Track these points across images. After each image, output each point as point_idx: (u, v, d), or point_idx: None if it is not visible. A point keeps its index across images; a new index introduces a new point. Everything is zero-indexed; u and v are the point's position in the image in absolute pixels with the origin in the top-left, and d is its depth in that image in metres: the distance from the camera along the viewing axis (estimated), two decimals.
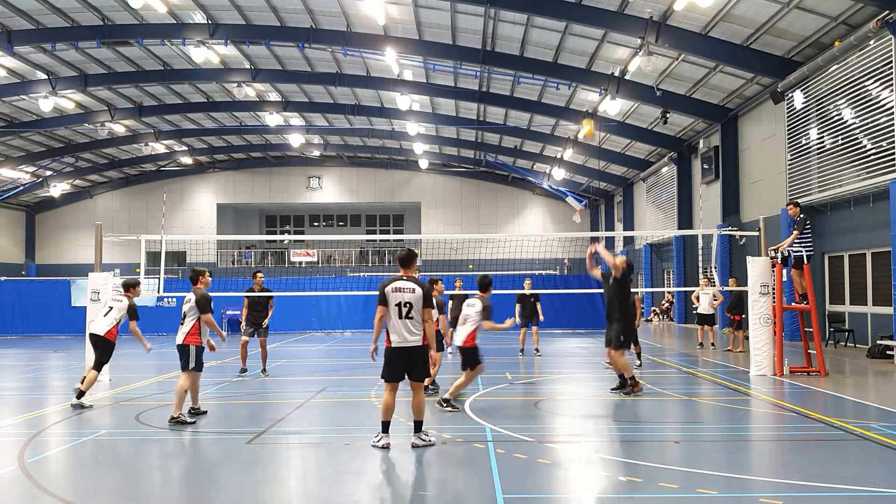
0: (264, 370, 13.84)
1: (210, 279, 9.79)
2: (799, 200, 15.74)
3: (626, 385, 11.09)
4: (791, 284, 14.35)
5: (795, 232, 13.34)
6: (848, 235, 18.95)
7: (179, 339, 9.21)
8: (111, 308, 10.72)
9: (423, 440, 7.66)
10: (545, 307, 18.01)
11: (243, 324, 14.09)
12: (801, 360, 13.82)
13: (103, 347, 10.66)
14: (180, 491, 6.52)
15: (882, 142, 16.85)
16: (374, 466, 7.06)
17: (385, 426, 7.64)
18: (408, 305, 7.61)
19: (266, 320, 13.97)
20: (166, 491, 6.48)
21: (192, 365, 9.18)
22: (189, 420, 8.99)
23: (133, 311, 10.66)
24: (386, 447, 7.49)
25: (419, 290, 7.68)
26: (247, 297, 14.17)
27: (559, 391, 12.09)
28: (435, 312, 8.27)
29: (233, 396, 11.51)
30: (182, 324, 9.24)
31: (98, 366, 10.66)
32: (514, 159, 40.57)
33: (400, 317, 7.59)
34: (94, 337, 10.74)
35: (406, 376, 7.70)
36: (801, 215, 13.50)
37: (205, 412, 9.57)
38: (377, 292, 7.75)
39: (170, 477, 7.05)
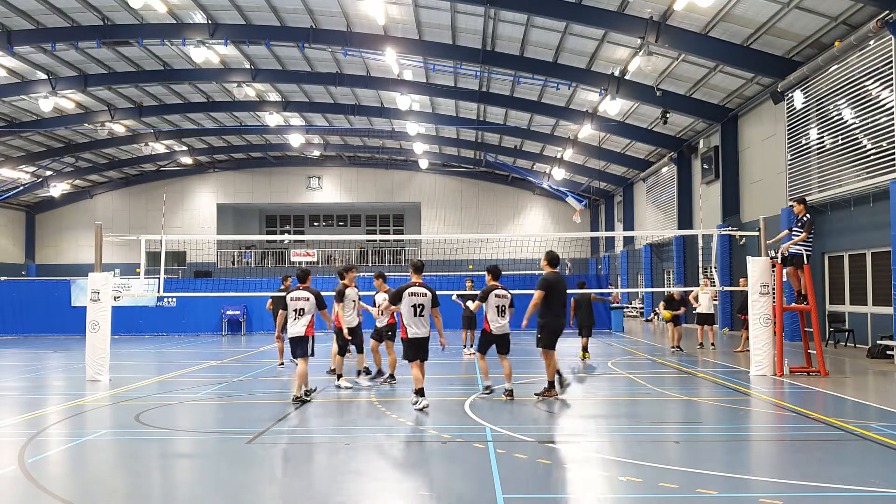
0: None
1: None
2: (806, 197, 15.53)
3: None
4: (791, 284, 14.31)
5: (804, 234, 13.23)
6: (848, 235, 18.95)
7: (301, 331, 10.56)
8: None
9: (421, 404, 9.56)
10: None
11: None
12: (801, 360, 13.81)
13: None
14: (180, 491, 6.52)
15: (882, 142, 16.85)
16: (374, 466, 7.06)
17: (420, 391, 9.66)
18: (421, 306, 9.77)
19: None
20: (166, 491, 6.48)
21: (310, 351, 10.71)
22: (307, 398, 10.57)
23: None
24: (426, 408, 9.53)
25: (429, 294, 9.89)
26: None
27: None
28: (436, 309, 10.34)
29: (233, 396, 11.51)
30: (301, 318, 10.60)
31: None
32: (514, 159, 40.57)
33: (414, 315, 9.76)
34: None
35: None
36: (808, 215, 13.37)
37: (314, 389, 10.95)
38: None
39: (170, 477, 7.05)
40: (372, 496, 6.09)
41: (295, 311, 10.62)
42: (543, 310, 10.68)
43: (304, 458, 7.58)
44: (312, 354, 10.72)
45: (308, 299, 10.62)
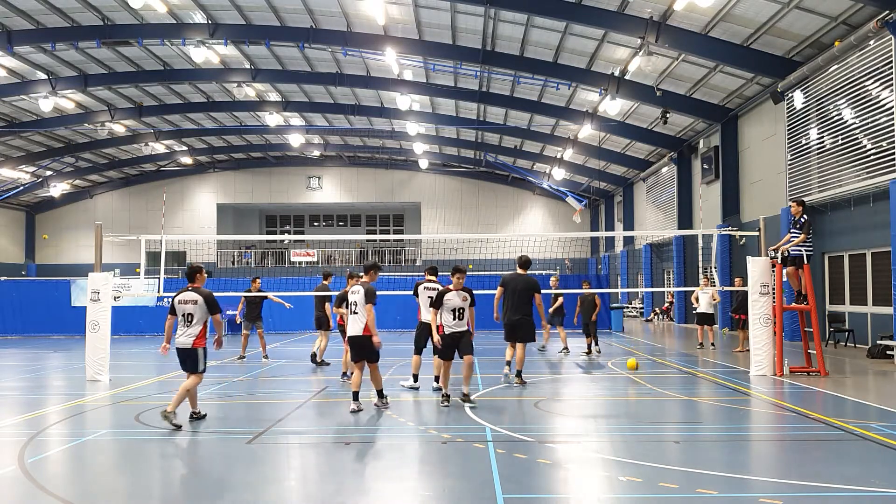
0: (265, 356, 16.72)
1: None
2: (804, 199, 15.57)
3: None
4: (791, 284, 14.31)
5: (802, 235, 13.24)
6: (848, 235, 18.95)
7: (188, 342, 8.87)
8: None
9: (383, 403, 9.96)
10: (546, 307, 17.70)
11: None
12: (801, 360, 13.81)
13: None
14: (180, 491, 6.52)
15: (882, 142, 16.85)
16: (374, 466, 7.07)
17: (355, 395, 9.82)
18: (354, 304, 9.94)
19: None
20: (166, 491, 6.48)
21: (202, 367, 8.99)
22: (177, 423, 8.58)
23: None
24: (358, 410, 9.65)
25: (361, 291, 9.95)
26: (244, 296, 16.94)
27: (559, 391, 12.08)
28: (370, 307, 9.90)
29: (233, 396, 11.51)
30: (189, 326, 8.88)
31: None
32: (514, 159, 40.57)
33: (350, 314, 10.04)
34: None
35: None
36: (805, 216, 13.40)
37: (204, 416, 9.32)
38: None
39: (170, 477, 7.05)
40: (372, 496, 6.09)
41: (183, 316, 8.87)
42: (503, 307, 11.95)
43: (305, 458, 7.58)
44: (204, 370, 9.08)
45: (196, 302, 8.84)
